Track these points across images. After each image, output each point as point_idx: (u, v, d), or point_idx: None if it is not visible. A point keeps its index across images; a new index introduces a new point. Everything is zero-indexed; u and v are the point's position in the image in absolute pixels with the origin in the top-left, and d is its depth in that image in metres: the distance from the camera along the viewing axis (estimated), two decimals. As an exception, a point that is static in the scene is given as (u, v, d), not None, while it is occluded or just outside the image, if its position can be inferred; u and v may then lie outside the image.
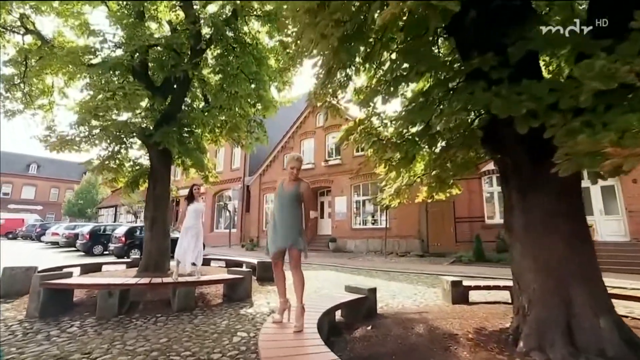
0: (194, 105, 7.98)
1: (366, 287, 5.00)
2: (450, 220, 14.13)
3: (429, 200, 5.94)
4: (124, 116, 6.77)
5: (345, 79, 4.79)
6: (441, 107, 3.00)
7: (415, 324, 4.11)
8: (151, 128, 7.27)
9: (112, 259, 13.28)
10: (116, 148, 7.00)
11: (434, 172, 4.24)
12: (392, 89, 3.74)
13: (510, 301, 5.48)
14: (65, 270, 8.29)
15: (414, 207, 14.89)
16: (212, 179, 9.83)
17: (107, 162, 6.64)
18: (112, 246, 13.41)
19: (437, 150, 3.87)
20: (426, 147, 3.68)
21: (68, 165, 51.16)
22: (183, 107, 7.89)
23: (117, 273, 7.75)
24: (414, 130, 3.83)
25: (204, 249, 15.36)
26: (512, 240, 3.26)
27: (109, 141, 6.57)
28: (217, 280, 6.01)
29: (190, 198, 6.27)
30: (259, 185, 22.37)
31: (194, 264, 6.20)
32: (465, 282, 5.68)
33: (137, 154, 8.64)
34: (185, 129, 7.93)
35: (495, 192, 13.51)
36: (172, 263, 7.80)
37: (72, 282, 5.10)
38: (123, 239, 12.92)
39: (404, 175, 4.94)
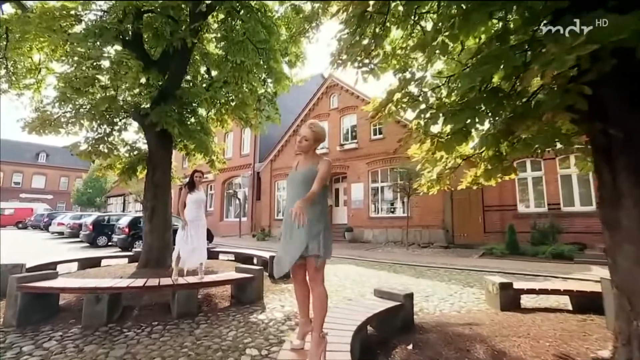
0: (196, 82, 7.18)
1: (400, 291, 4.22)
2: (478, 209, 13.20)
3: (459, 188, 5.13)
4: (117, 95, 6.01)
5: (372, 41, 3.90)
6: (527, 53, 2.14)
7: (470, 344, 3.32)
8: (147, 107, 6.52)
9: (116, 250, 12.90)
10: (107, 130, 6.29)
11: (491, 152, 3.37)
12: (444, 40, 2.87)
13: (571, 308, 4.65)
14: (61, 265, 7.85)
15: (438, 194, 13.90)
16: (219, 164, 9.12)
17: (96, 146, 5.94)
18: (115, 237, 12.95)
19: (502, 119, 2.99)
20: (490, 115, 2.81)
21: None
22: (184, 84, 7.11)
23: (114, 270, 7.15)
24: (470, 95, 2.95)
25: (212, 240, 15.03)
26: (617, 240, 2.42)
27: (97, 122, 5.87)
28: (223, 282, 5.30)
29: (191, 186, 5.54)
30: (270, 171, 21.72)
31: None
32: (516, 284, 4.84)
33: (135, 137, 7.96)
34: (187, 108, 7.18)
35: (529, 177, 12.49)
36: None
37: (53, 286, 4.44)
38: (126, 229, 12.45)
39: (450, 155, 4.07)
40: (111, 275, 6.59)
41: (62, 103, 5.10)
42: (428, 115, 2.95)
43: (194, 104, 7.19)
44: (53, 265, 7.21)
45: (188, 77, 7.64)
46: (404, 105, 3.60)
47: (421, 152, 5.07)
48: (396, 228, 15.45)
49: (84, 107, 5.49)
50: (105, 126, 6.18)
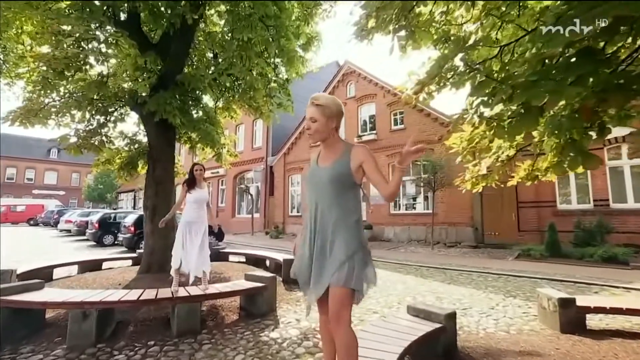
0: (200, 66, 6.61)
1: (440, 310, 3.58)
2: (511, 205, 12.35)
3: (509, 184, 4.48)
4: (107, 80, 5.49)
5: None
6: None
7: (538, 386, 2.67)
8: (145, 95, 5.99)
9: (122, 250, 12.61)
10: (101, 120, 5.80)
11: (563, 138, 2.67)
12: None
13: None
14: (61, 268, 7.49)
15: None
16: (231, 158, 8.60)
17: (87, 139, 5.45)
18: (121, 236, 12.66)
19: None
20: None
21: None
22: (187, 69, 6.56)
23: (114, 275, 6.71)
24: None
25: (222, 238, 14.60)
26: None
27: (88, 111, 5.38)
28: (230, 293, 4.75)
29: (191, 183, 4.99)
30: (283, 165, 21.21)
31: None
32: (579, 299, 4.13)
33: (135, 129, 7.50)
34: (190, 95, 6.64)
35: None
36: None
37: (32, 300, 3.97)
38: (132, 228, 12.16)
39: (505, 144, 3.39)
40: (109, 282, 6.16)
41: (45, 89, 4.61)
42: (486, 90, 2.26)
43: (197, 91, 6.64)
44: (49, 269, 6.84)
45: (193, 63, 7.11)
46: (448, 83, 2.92)
47: (461, 142, 4.40)
48: (419, 225, 14.74)
49: (74, 94, 4.99)
50: (98, 116, 5.68)
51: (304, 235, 2.08)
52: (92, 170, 7.52)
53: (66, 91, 5.17)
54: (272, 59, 6.47)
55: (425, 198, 15.20)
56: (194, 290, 4.63)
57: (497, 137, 2.79)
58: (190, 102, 6.76)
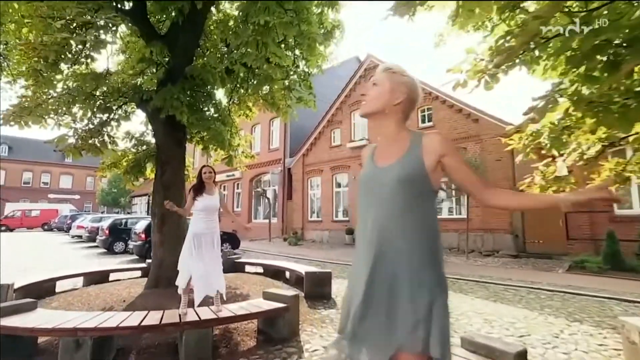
0: (211, 56, 6.15)
1: (507, 347, 2.96)
2: (557, 209, 11.42)
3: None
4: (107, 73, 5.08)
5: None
6: None
7: None
8: (152, 89, 5.58)
9: (132, 259, 12.36)
10: (103, 118, 5.40)
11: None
12: None
13: None
14: (65, 280, 7.14)
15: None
16: (247, 159, 8.16)
17: (87, 139, 5.05)
18: (131, 244, 12.41)
19: None
20: None
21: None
22: (197, 60, 6.12)
23: (120, 289, 6.32)
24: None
25: (238, 245, 14.19)
26: None
27: (87, 107, 4.98)
28: (246, 316, 4.24)
29: (199, 188, 4.50)
30: (302, 167, 20.82)
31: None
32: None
33: (141, 128, 7.14)
34: (200, 91, 6.20)
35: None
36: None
37: (18, 326, 3.55)
38: (143, 235, 11.84)
39: (588, 139, 2.75)
40: (113, 298, 5.75)
41: (39, 84, 4.22)
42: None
43: (208, 86, 6.20)
44: (50, 283, 6.52)
45: (203, 54, 6.67)
46: (526, 57, 2.31)
47: (522, 138, 3.80)
48: (450, 232, 13.96)
49: (70, 89, 4.61)
50: (99, 114, 5.29)
51: (356, 262, 1.52)
52: (98, 174, 7.18)
53: (65, 87, 4.79)
54: (291, 49, 5.96)
55: (457, 201, 14.43)
56: (205, 313, 4.14)
57: (605, 125, 2.16)
58: (201, 99, 6.32)
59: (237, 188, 24.90)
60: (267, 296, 4.89)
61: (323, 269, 9.71)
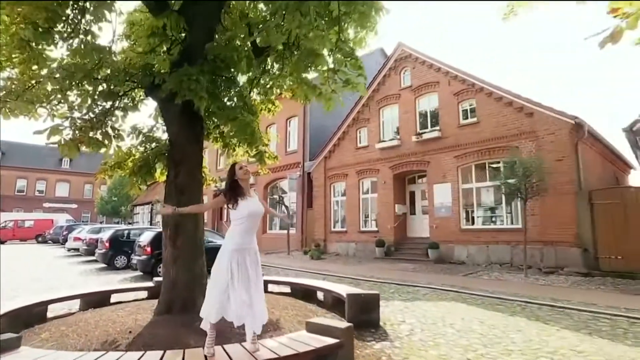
0: (235, 30, 5.50)
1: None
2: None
3: None
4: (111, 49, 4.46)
5: None
6: None
7: None
8: (164, 72, 4.96)
9: (135, 275, 11.89)
10: (106, 106, 4.80)
11: None
12: None
13: None
14: (58, 303, 6.60)
15: (568, 197, 11.59)
16: (270, 161, 7.52)
17: (88, 131, 4.43)
18: (135, 258, 11.94)
19: None
20: None
21: (100, 159, 53.16)
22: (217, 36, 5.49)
23: (123, 316, 5.67)
24: None
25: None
26: None
27: (87, 95, 4.38)
28: (293, 357, 3.52)
29: (233, 191, 3.83)
30: (323, 171, 20.28)
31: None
32: None
33: (150, 122, 6.58)
34: (222, 75, 5.58)
35: None
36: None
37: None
38: (149, 249, 11.39)
39: None
40: (116, 327, 5.07)
41: (28, 59, 3.61)
42: None
43: (231, 69, 5.57)
44: (42, 307, 5.93)
45: (226, 29, 6.04)
46: None
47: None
48: (502, 244, 13.12)
49: (66, 66, 4.01)
50: (102, 101, 4.69)
51: None
52: (98, 177, 6.62)
53: (60, 67, 4.20)
54: (335, 21, 5.28)
55: (509, 209, 13.54)
56: (239, 354, 3.44)
57: None
58: (222, 85, 5.70)
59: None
60: (313, 328, 4.21)
61: (356, 286, 9.04)
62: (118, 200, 41.37)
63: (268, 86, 6.11)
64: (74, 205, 51.47)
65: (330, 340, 3.85)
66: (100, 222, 41.59)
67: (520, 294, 8.40)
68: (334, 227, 19.67)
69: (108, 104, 4.83)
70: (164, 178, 6.93)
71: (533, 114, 12.71)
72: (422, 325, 5.96)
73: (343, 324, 4.27)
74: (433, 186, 15.74)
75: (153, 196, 31.23)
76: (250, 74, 5.66)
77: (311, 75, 5.82)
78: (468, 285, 9.66)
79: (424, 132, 16.27)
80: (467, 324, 6.04)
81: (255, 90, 6.68)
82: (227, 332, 4.32)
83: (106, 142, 4.72)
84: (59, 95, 4.48)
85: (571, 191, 11.65)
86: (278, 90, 6.23)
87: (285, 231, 19.47)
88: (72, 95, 4.78)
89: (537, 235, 12.04)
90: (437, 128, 15.81)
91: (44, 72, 4.08)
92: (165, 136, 6.75)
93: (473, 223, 14.57)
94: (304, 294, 7.59)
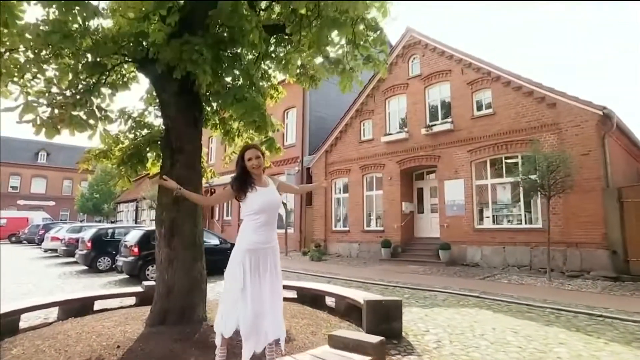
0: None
1: None
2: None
3: None
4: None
5: None
6: None
7: None
8: (159, 42, 4.48)
9: (121, 278, 11.54)
10: (91, 81, 4.30)
11: None
12: None
13: None
14: (33, 312, 6.13)
15: (594, 194, 11.27)
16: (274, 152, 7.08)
17: (70, 109, 3.94)
18: (120, 260, 11.51)
19: None
20: None
21: (81, 152, 52.34)
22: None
23: (110, 327, 5.19)
24: None
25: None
26: None
27: (68, 69, 3.90)
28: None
29: (241, 181, 3.38)
30: (324, 166, 19.95)
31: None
32: None
33: (140, 106, 6.13)
34: (227, 51, 5.13)
35: None
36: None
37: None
38: (136, 249, 10.96)
39: None
40: (101, 342, 4.55)
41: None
42: None
43: (237, 44, 5.10)
44: (13, 317, 5.45)
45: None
46: None
47: None
48: (520, 245, 12.82)
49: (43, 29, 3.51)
50: (86, 74, 4.20)
51: None
52: (81, 167, 6.12)
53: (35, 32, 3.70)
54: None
55: (527, 207, 13.23)
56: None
57: None
58: (226, 61, 5.22)
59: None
60: (337, 343, 3.82)
61: (366, 290, 8.66)
62: (100, 197, 40.63)
63: (282, 61, 5.62)
64: (52, 203, 50.64)
65: (360, 358, 3.43)
66: (81, 221, 40.82)
67: (550, 300, 8.07)
68: (335, 226, 19.38)
69: (94, 79, 4.33)
70: (155, 170, 6.50)
71: (556, 104, 12.36)
72: (450, 336, 5.60)
73: (373, 337, 3.86)
74: (444, 182, 15.42)
75: (138, 193, 30.64)
76: (260, 49, 5.19)
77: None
78: (488, 290, 9.33)
79: (435, 125, 15.91)
80: (500, 335, 5.67)
81: (266, 65, 6.23)
82: (238, 348, 3.88)
83: (91, 122, 4.22)
84: (34, 69, 3.98)
85: (597, 188, 11.32)
86: (290, 70, 5.74)
87: (283, 230, 19.07)
88: (50, 70, 4.29)
89: (560, 235, 11.71)
90: (449, 120, 15.45)
91: (14, 38, 3.56)
92: (158, 122, 6.31)
93: (488, 222, 14.25)
94: (312, 299, 7.22)
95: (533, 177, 11.08)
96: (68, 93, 4.12)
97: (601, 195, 11.24)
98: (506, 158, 13.81)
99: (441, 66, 16.05)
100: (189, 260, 5.16)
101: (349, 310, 6.28)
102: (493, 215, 14.18)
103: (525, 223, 13.18)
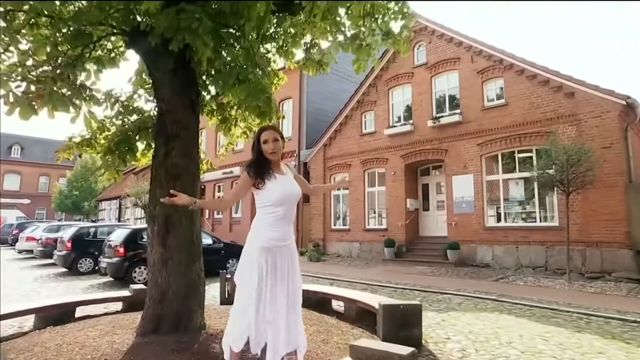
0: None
1: None
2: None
3: None
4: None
5: None
6: None
7: None
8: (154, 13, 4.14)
9: (105, 281, 11.16)
10: (73, 54, 3.93)
11: None
12: None
13: None
14: (6, 319, 5.74)
15: (616, 190, 11.08)
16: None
17: (50, 84, 3.57)
18: (103, 261, 11.20)
19: None
20: None
21: (59, 146, 51.57)
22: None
23: (96, 337, 4.85)
24: None
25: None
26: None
27: (46, 42, 3.54)
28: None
29: (259, 167, 3.04)
30: (322, 161, 19.74)
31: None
32: None
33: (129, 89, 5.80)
34: (230, 26, 4.81)
35: None
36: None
37: None
38: (121, 249, 10.64)
39: None
40: (86, 354, 4.24)
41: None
42: None
43: (241, 17, 4.75)
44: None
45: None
46: None
47: None
48: (535, 244, 12.63)
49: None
50: (67, 48, 3.83)
51: None
52: (60, 156, 5.76)
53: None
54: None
55: (542, 204, 13.05)
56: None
57: None
58: (225, 37, 4.86)
59: (237, 189, 23.85)
60: (360, 354, 3.54)
61: (373, 292, 8.41)
62: (80, 195, 40.00)
63: (287, 40, 5.28)
64: (26, 201, 49.70)
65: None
66: (59, 220, 40.18)
67: (574, 304, 7.88)
68: (335, 224, 19.20)
69: (76, 52, 3.96)
70: (145, 160, 6.19)
71: (574, 94, 12.13)
72: (474, 344, 5.34)
73: (403, 348, 3.55)
74: (452, 178, 15.20)
75: (122, 190, 30.11)
76: (265, 26, 4.86)
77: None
78: (504, 293, 9.17)
79: (442, 116, 15.70)
80: (529, 343, 5.43)
81: (265, 48, 5.91)
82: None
83: (75, 100, 3.85)
84: (6, 37, 3.59)
85: (620, 183, 11.11)
86: (297, 44, 5.42)
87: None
88: (25, 44, 3.92)
89: (578, 234, 11.52)
90: (458, 111, 15.26)
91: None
92: (149, 106, 5.97)
93: (499, 220, 14.05)
94: (317, 303, 7.00)
95: (550, 171, 10.89)
96: (47, 67, 3.75)
97: (624, 191, 11.04)
98: (519, 152, 13.61)
99: (449, 54, 15.81)
100: (186, 261, 4.88)
101: (360, 316, 6.12)
102: (505, 213, 13.98)
103: (540, 221, 12.99)
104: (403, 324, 5.11)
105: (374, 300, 5.85)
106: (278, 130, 3.24)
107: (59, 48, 3.85)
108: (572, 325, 6.39)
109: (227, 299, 7.38)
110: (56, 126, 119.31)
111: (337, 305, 6.99)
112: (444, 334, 5.82)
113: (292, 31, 5.26)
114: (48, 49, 3.87)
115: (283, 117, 6.22)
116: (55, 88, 3.60)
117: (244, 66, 4.78)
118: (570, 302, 7.99)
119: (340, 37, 4.91)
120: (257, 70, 4.90)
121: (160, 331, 4.68)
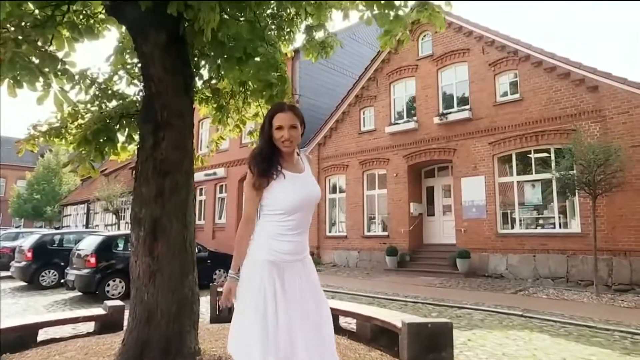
0: None
1: None
2: None
3: None
4: None
5: None
6: None
7: None
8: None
9: (72, 297, 10.73)
10: (42, 15, 3.48)
11: None
12: None
13: None
14: None
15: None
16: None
17: (10, 46, 3.11)
18: (71, 273, 10.74)
19: None
20: None
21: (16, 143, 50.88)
22: None
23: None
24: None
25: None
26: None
27: None
28: None
29: (267, 161, 2.45)
30: (317, 161, 19.54)
31: None
32: None
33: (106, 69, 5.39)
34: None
35: None
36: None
37: None
38: (92, 260, 10.20)
39: None
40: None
41: None
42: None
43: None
44: None
45: None
46: None
47: None
48: (554, 253, 12.51)
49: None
50: (33, 7, 3.38)
51: None
52: (21, 148, 5.30)
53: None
54: None
55: (562, 208, 12.93)
56: None
57: None
58: (228, 9, 4.48)
59: (221, 192, 23.83)
60: None
61: (382, 307, 8.07)
62: (42, 199, 39.11)
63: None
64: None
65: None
66: (17, 227, 39.23)
67: (612, 321, 7.58)
68: (330, 231, 19.13)
69: (46, 12, 3.47)
70: (126, 155, 5.76)
71: (598, 87, 12.00)
72: (513, 371, 4.96)
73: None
74: (461, 180, 15.10)
75: (91, 193, 29.48)
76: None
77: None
78: (529, 307, 8.94)
79: (449, 113, 15.61)
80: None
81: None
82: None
83: (45, 68, 3.38)
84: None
85: (644, 181, 11.02)
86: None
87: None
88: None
89: (604, 242, 11.33)
90: (467, 107, 15.19)
91: None
92: (131, 90, 5.53)
93: (514, 226, 13.95)
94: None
95: (573, 172, 10.69)
96: (10, 27, 3.27)
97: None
98: (536, 151, 13.52)
99: (458, 45, 15.69)
100: (177, 273, 4.44)
101: (376, 335, 5.87)
102: (520, 218, 13.87)
103: (560, 227, 12.88)
104: (431, 345, 4.81)
105: (395, 317, 5.52)
106: (298, 113, 2.51)
107: (22, 7, 3.36)
108: (618, 347, 6.09)
109: (217, 317, 6.99)
110: (13, 121, 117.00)
111: (345, 322, 6.74)
112: (474, 357, 5.48)
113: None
114: (8, 6, 3.37)
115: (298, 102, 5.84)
116: (18, 51, 3.12)
117: (253, 39, 4.37)
118: (607, 319, 7.71)
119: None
120: (266, 45, 4.49)
121: (145, 358, 4.26)
